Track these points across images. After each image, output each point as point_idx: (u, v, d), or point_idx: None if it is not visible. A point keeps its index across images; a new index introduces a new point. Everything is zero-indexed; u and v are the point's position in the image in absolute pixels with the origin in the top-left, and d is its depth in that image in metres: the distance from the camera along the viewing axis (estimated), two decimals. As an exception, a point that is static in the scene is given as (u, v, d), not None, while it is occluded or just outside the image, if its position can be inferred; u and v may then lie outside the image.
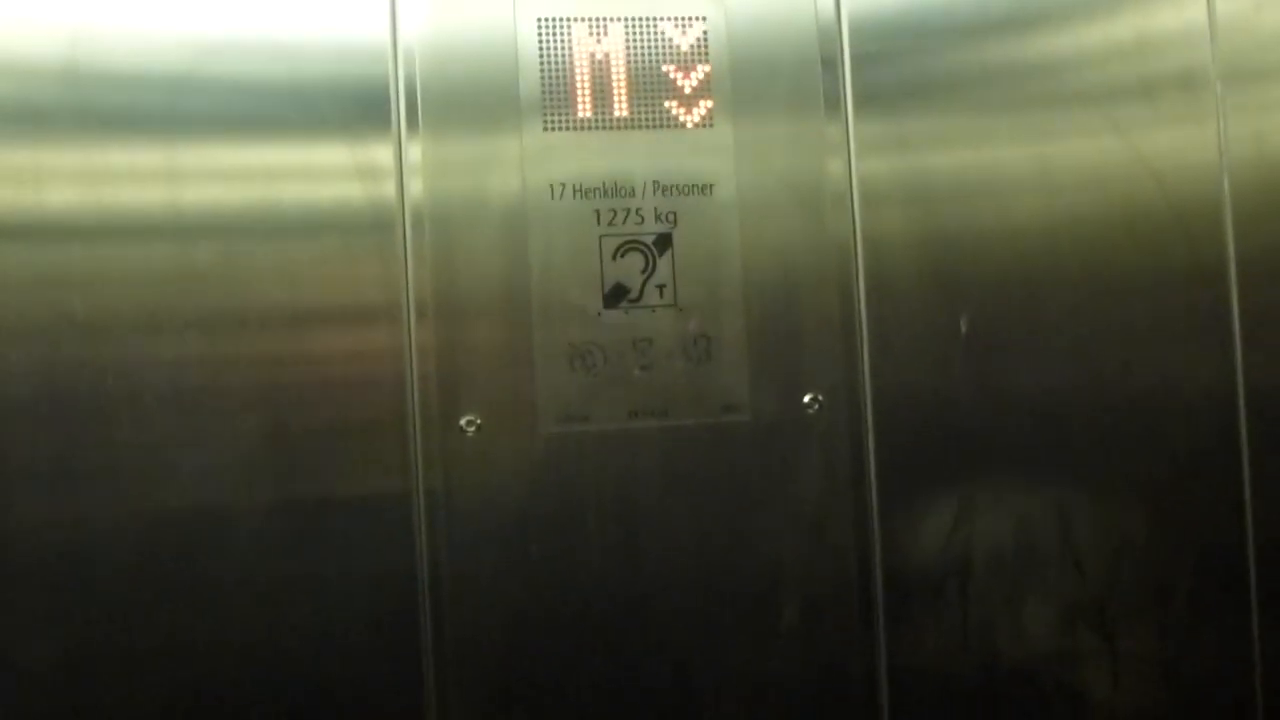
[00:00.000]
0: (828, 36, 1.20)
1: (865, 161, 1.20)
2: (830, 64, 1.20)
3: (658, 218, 1.16)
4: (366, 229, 1.11)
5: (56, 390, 1.05)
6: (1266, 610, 1.28)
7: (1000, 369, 1.23)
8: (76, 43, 1.06)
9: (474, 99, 1.13)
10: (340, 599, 1.10)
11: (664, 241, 1.16)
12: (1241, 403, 1.27)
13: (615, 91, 1.15)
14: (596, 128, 1.15)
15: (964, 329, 1.21)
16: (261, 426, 1.09)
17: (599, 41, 1.15)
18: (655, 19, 1.16)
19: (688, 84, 1.17)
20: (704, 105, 1.17)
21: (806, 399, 1.18)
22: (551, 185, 1.14)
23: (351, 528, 1.10)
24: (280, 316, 1.09)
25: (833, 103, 1.20)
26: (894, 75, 1.22)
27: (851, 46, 1.21)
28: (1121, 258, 1.26)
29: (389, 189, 1.11)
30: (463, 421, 1.12)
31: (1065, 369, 1.24)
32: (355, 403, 1.10)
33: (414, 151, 1.11)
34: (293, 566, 1.09)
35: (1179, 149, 1.28)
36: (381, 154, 1.11)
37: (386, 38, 1.12)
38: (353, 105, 1.11)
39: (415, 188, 1.11)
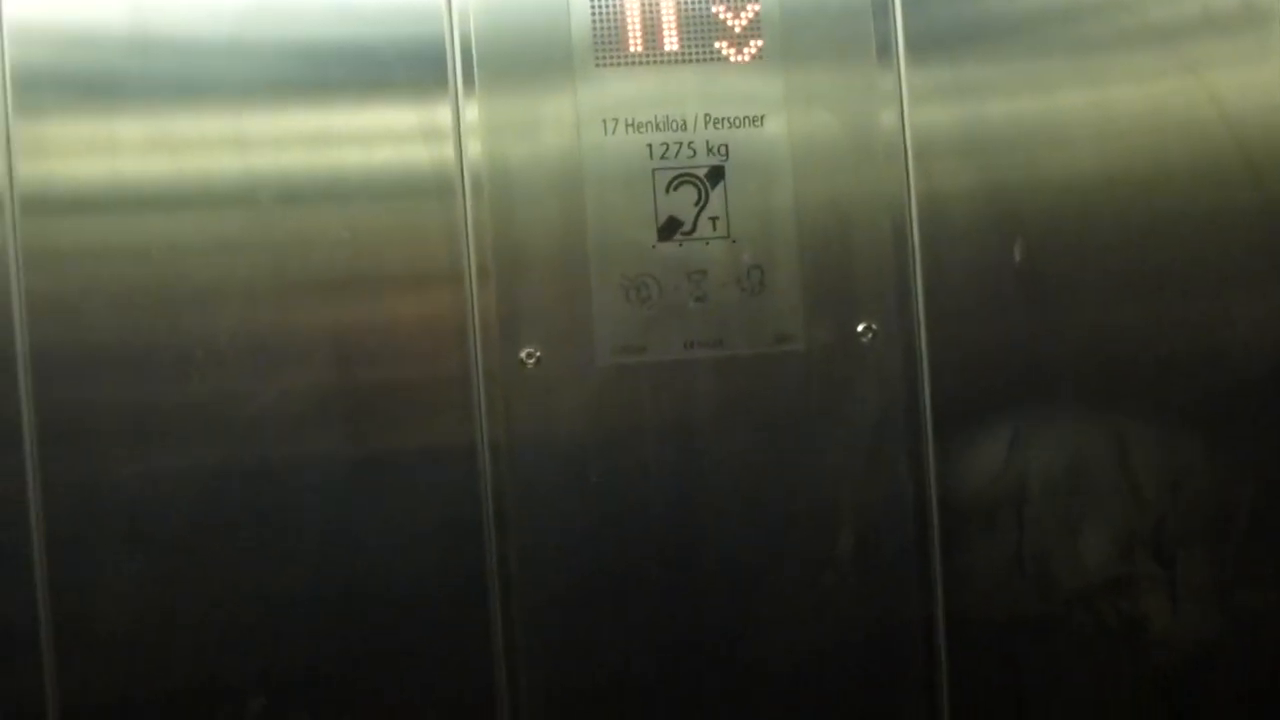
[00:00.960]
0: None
1: (919, 104, 1.20)
2: (882, 8, 1.20)
3: (710, 150, 1.17)
4: (427, 174, 1.14)
5: (134, 354, 1.08)
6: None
7: (1056, 297, 1.22)
8: (139, 10, 1.09)
9: (528, 45, 1.15)
10: (409, 528, 1.14)
11: (716, 174, 1.18)
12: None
13: (666, 27, 1.16)
14: (648, 62, 1.16)
15: (1018, 257, 1.21)
16: (330, 375, 1.12)
17: (649, -22, 1.16)
18: (705, -47, 1.17)
19: (738, 23, 1.18)
20: (754, 44, 1.18)
21: (860, 328, 1.19)
22: (605, 121, 1.16)
23: (419, 462, 1.14)
24: (348, 266, 1.13)
25: (884, 44, 1.20)
26: (948, 19, 1.22)
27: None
28: (1183, 195, 1.25)
29: (448, 126, 1.13)
30: (523, 354, 1.15)
31: (1122, 299, 1.24)
32: (419, 335, 1.14)
33: (473, 97, 1.14)
34: (366, 504, 1.13)
35: (1244, 86, 1.26)
36: (440, 102, 1.13)
37: (442, -2, 1.14)
38: (412, 65, 1.13)
39: (473, 121, 1.13)
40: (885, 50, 1.20)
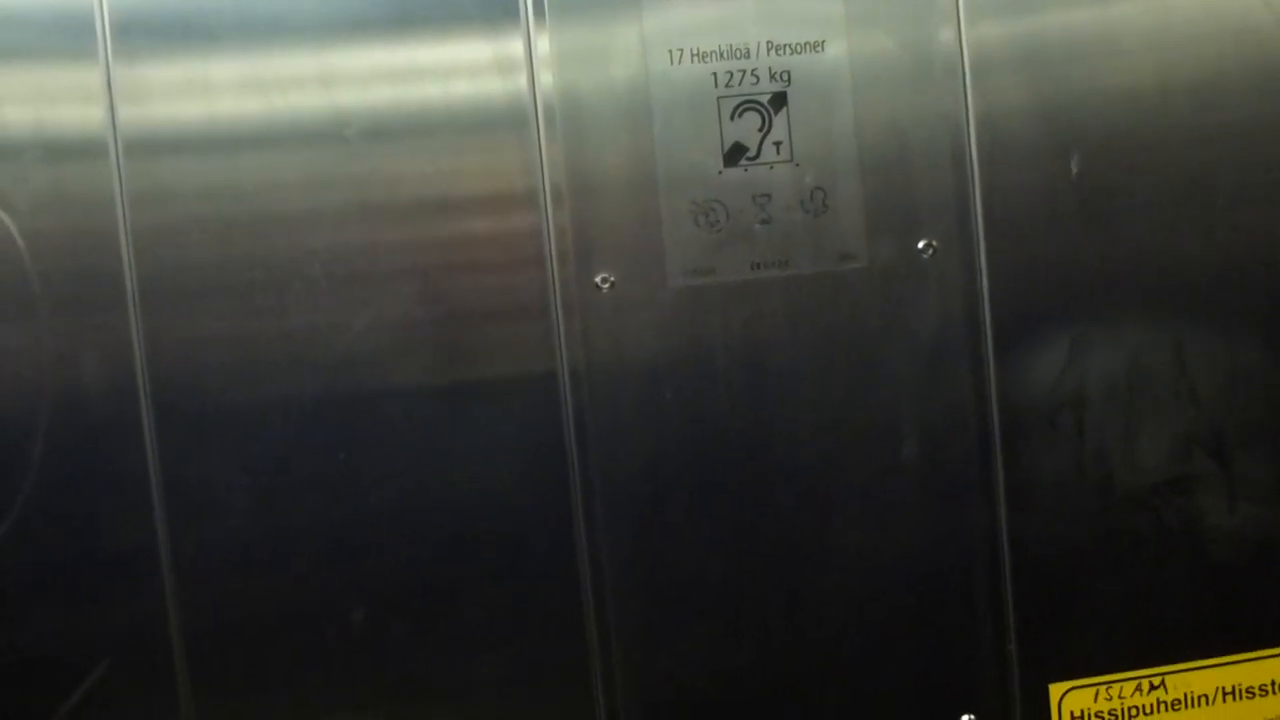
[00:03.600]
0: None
1: (977, 13, 1.23)
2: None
3: (772, 77, 1.21)
4: (502, 106, 1.18)
5: (231, 283, 1.15)
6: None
7: (1112, 209, 1.26)
8: None
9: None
10: (496, 449, 1.20)
11: (779, 100, 1.22)
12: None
13: (728, -45, 1.20)
14: (711, -8, 1.20)
15: (1075, 170, 1.25)
16: (418, 303, 1.18)
17: (709, -91, 1.20)
18: (762, -117, 1.20)
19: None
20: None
21: (921, 245, 1.24)
22: (670, 52, 1.20)
23: (503, 386, 1.20)
24: (431, 198, 1.18)
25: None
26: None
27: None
28: (1239, 106, 1.26)
29: (520, 58, 1.17)
30: (598, 279, 1.20)
31: (1179, 209, 1.27)
32: (500, 265, 1.20)
33: (543, 29, 1.18)
34: (454, 423, 1.19)
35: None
36: (513, 35, 1.17)
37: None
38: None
39: (544, 53, 1.18)
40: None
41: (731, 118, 1.21)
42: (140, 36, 1.12)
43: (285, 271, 1.15)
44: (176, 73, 1.13)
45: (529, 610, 1.21)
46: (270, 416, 1.16)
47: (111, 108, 1.12)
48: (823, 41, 1.22)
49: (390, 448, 1.18)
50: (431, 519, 1.19)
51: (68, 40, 1.12)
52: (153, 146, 1.13)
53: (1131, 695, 1.31)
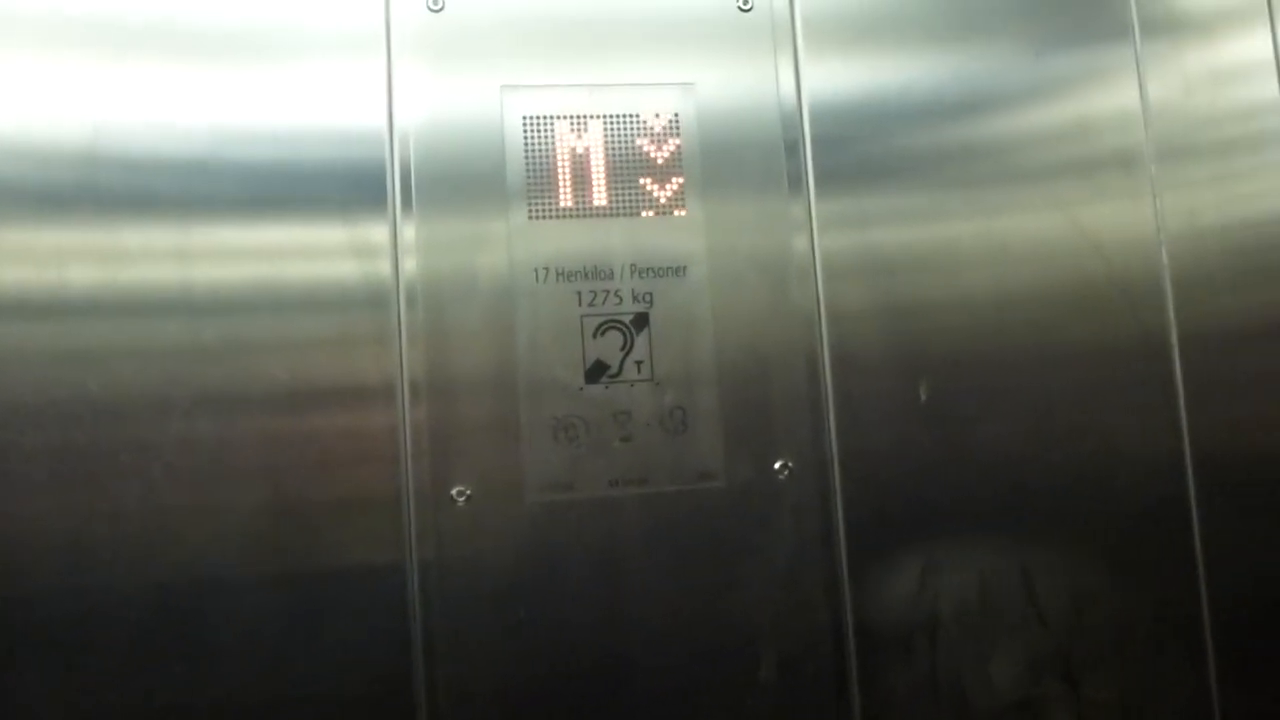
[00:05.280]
0: (790, 123, 1.30)
1: (827, 238, 1.29)
2: (793, 148, 1.30)
3: (635, 298, 1.24)
4: (363, 306, 1.19)
5: (70, 467, 1.11)
6: (1221, 656, 1.34)
7: (958, 432, 1.30)
8: (99, 132, 1.15)
9: (464, 186, 1.22)
10: (338, 664, 1.15)
11: (641, 320, 1.24)
12: (1189, 464, 1.35)
13: (594, 183, 1.24)
14: (577, 215, 1.24)
15: (923, 396, 1.29)
16: (264, 499, 1.15)
17: (579, 137, 1.24)
18: (631, 115, 1.26)
19: (661, 172, 1.26)
20: (676, 189, 1.26)
21: (777, 465, 1.26)
22: (536, 269, 1.23)
23: (348, 595, 1.16)
24: (281, 393, 1.17)
25: (796, 183, 1.29)
26: (853, 157, 1.32)
27: (812, 131, 1.31)
28: (1070, 327, 1.34)
29: (385, 267, 1.19)
30: (453, 492, 1.19)
31: (1021, 432, 1.32)
32: (352, 474, 1.17)
33: (409, 231, 1.20)
34: (293, 634, 1.15)
35: (1120, 224, 1.37)
36: (378, 234, 1.20)
37: (384, 125, 1.21)
38: (352, 187, 1.19)
39: (410, 266, 1.19)
40: (796, 185, 1.29)
41: (594, 335, 1.23)
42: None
43: (126, 452, 1.12)
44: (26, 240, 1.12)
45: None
46: (96, 607, 1.11)
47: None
48: (685, 267, 1.26)
49: (224, 640, 1.13)
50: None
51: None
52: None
53: None
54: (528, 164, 1.23)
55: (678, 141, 1.27)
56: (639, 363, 1.24)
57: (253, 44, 1.19)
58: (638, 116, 1.26)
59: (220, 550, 1.14)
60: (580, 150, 1.24)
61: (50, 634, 1.10)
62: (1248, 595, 1.36)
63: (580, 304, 1.23)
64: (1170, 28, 1.41)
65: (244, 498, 1.14)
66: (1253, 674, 1.35)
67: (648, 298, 1.25)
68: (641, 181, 1.25)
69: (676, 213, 1.26)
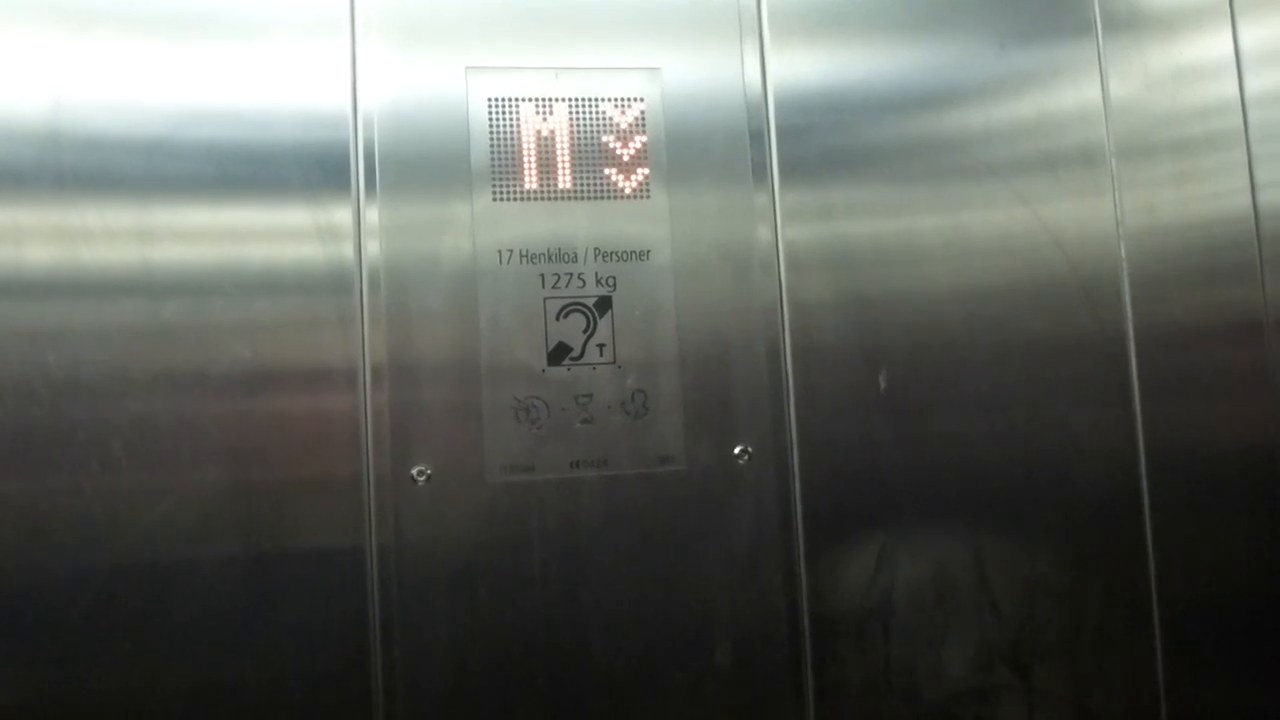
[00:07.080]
0: (755, 112, 1.31)
1: (790, 228, 1.30)
2: (758, 137, 1.31)
3: (598, 281, 1.25)
4: (326, 289, 1.18)
5: (28, 443, 1.10)
6: (1169, 646, 1.37)
7: (917, 422, 1.32)
8: (59, 108, 1.14)
9: (429, 168, 1.22)
10: (297, 642, 1.15)
11: (604, 304, 1.25)
12: (1142, 457, 1.37)
13: (559, 165, 1.25)
14: (542, 198, 1.24)
15: (883, 385, 1.31)
16: (224, 479, 1.15)
17: (545, 120, 1.25)
18: (596, 99, 1.26)
19: (626, 157, 1.27)
20: (641, 175, 1.27)
21: (736, 450, 1.27)
22: (500, 251, 1.23)
23: (308, 574, 1.16)
24: (242, 374, 1.16)
25: (760, 172, 1.30)
26: (817, 148, 1.33)
27: (777, 121, 1.31)
28: (1029, 321, 1.36)
29: (348, 250, 1.19)
30: (414, 472, 1.19)
31: (978, 423, 1.34)
32: (313, 452, 1.17)
33: (372, 214, 1.20)
34: (253, 613, 1.15)
35: (1080, 219, 1.39)
36: (341, 216, 1.19)
37: (348, 106, 1.21)
38: (316, 169, 1.19)
39: (373, 248, 1.19)
40: (761, 175, 1.30)
41: (557, 318, 1.24)
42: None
43: (84, 431, 1.11)
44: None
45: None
46: (53, 586, 1.10)
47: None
48: (649, 251, 1.26)
49: (183, 621, 1.13)
50: (220, 713, 1.13)
51: None
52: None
53: None
54: (492, 146, 1.23)
55: (643, 126, 1.27)
56: (601, 346, 1.24)
57: (217, 22, 1.19)
58: (603, 100, 1.27)
59: (179, 530, 1.13)
60: (545, 133, 1.25)
61: (3, 613, 1.09)
62: (1197, 587, 1.38)
63: (544, 286, 1.23)
64: (1133, 25, 1.43)
65: (203, 478, 1.14)
66: (1200, 664, 1.38)
67: (611, 281, 1.25)
68: (606, 166, 1.26)
69: (641, 198, 1.27)
